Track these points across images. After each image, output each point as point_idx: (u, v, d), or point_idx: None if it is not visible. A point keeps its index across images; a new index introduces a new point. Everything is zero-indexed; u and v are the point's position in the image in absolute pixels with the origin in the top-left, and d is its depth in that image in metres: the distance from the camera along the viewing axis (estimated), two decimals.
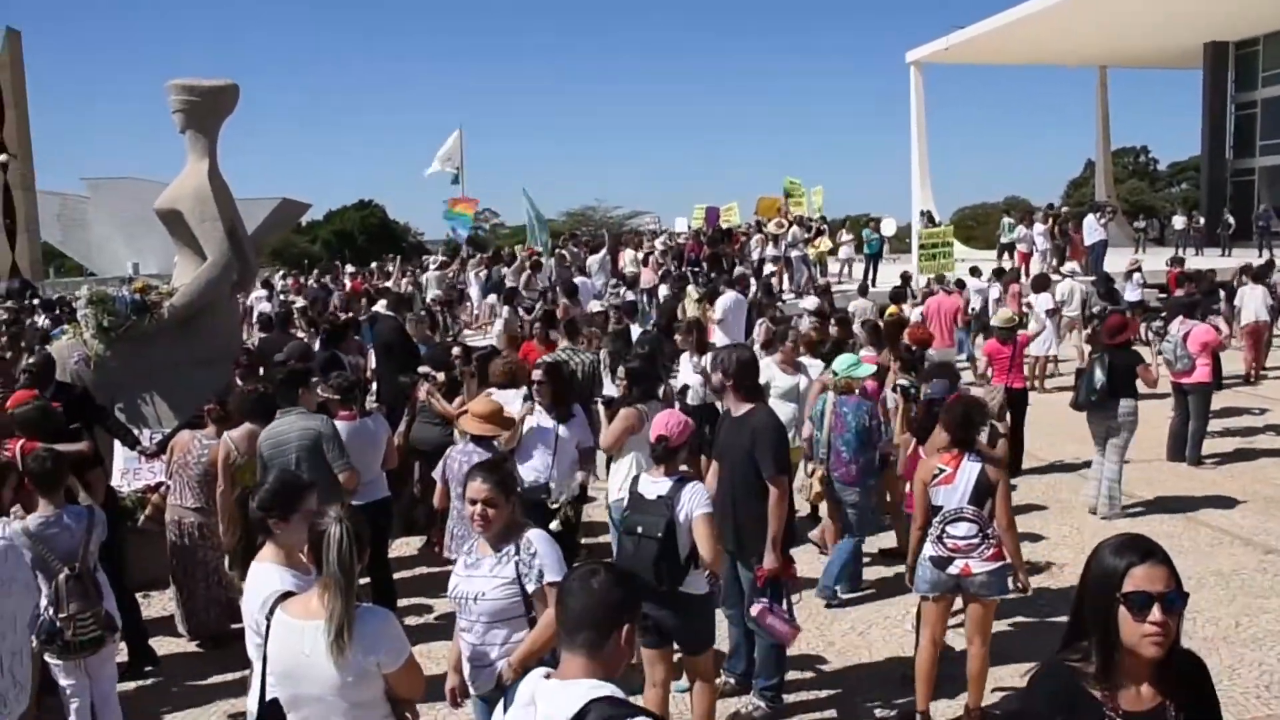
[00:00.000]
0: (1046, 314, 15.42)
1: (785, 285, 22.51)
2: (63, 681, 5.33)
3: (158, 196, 9.18)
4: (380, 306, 15.45)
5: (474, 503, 3.98)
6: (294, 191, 67.36)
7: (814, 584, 7.40)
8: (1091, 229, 23.00)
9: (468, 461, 6.08)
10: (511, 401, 7.26)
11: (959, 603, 5.70)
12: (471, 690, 4.10)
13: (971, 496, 5.43)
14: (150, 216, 9.53)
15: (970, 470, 5.47)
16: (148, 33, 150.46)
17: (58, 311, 20.98)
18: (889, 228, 28.01)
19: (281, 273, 32.49)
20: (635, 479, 5.17)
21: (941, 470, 5.53)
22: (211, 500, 6.84)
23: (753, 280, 21.88)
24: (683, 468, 5.19)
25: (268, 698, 3.37)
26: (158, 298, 8.65)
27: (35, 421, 6.34)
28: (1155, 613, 2.46)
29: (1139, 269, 18.89)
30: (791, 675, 6.09)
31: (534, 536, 4.03)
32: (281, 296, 24.07)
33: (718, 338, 12.31)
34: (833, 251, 25.30)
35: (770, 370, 8.31)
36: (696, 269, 21.80)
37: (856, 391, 7.50)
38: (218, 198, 8.77)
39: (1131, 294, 17.82)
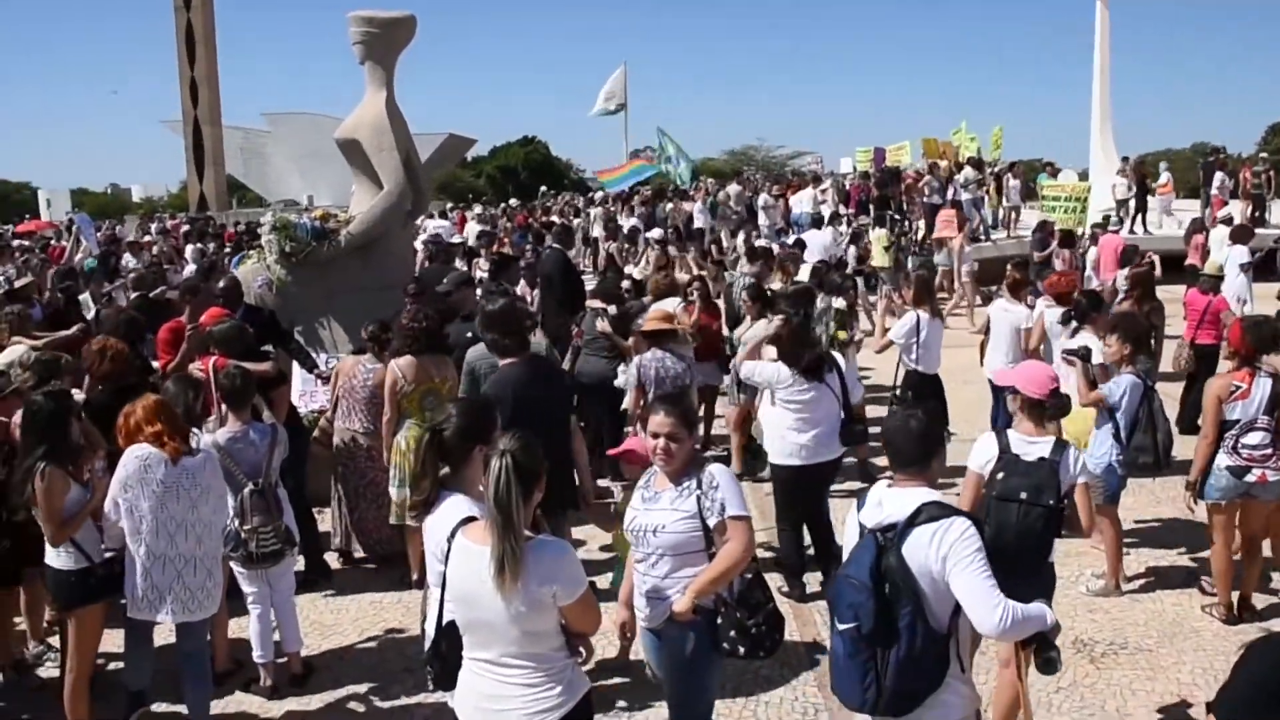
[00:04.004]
0: (1240, 268, 14.41)
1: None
2: (246, 589, 5.61)
3: (332, 131, 9.43)
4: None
5: (657, 436, 3.91)
6: (460, 127, 68.59)
7: None
8: None
9: (658, 364, 7.09)
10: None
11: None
12: (644, 624, 4.07)
13: (1267, 407, 5.98)
14: (324, 150, 9.85)
15: (1264, 385, 6.01)
16: None
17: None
18: (1067, 177, 26.55)
19: (450, 205, 33.15)
20: (1003, 438, 4.68)
21: (1238, 386, 6.02)
22: (378, 422, 7.01)
23: (920, 224, 21.35)
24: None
25: (445, 620, 3.41)
26: (336, 225, 8.89)
27: (231, 339, 6.60)
28: None
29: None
30: None
31: (715, 470, 3.94)
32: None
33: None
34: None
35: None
36: (864, 212, 21.25)
37: None
38: (394, 128, 8.93)
39: None
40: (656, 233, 17.07)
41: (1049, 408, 4.69)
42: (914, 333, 8.36)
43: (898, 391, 8.52)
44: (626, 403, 7.49)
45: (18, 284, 12.05)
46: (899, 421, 3.58)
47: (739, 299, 10.21)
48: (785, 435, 6.46)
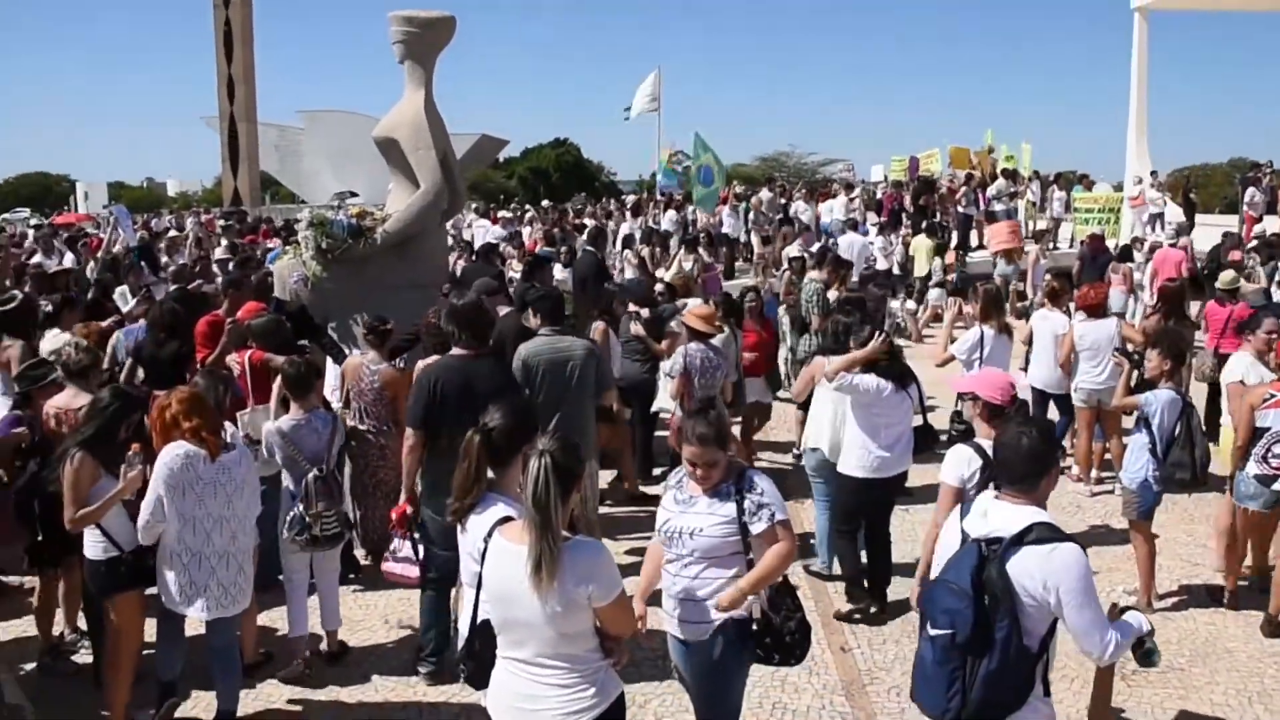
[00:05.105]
0: (1277, 283, 14.24)
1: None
2: (289, 567, 5.81)
3: (367, 129, 9.46)
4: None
5: (694, 465, 3.93)
6: (491, 128, 68.67)
7: None
8: None
9: (703, 354, 7.52)
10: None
11: None
12: (674, 630, 4.06)
13: None
14: (358, 150, 9.88)
15: None
16: None
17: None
18: (1102, 190, 26.34)
19: (475, 206, 33.28)
20: (981, 449, 4.74)
21: (1273, 395, 6.10)
22: (388, 422, 7.01)
23: (954, 233, 21.25)
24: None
25: (480, 619, 3.42)
26: (373, 223, 8.93)
27: (269, 332, 6.72)
28: None
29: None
30: None
31: (756, 477, 3.97)
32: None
33: None
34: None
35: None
36: (896, 221, 21.16)
37: None
38: (432, 127, 8.96)
39: None
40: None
41: (1009, 413, 4.72)
42: (977, 348, 8.16)
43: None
44: (670, 390, 7.60)
45: (50, 270, 12.22)
46: (1011, 438, 3.53)
47: (808, 306, 10.17)
48: (868, 447, 6.29)
